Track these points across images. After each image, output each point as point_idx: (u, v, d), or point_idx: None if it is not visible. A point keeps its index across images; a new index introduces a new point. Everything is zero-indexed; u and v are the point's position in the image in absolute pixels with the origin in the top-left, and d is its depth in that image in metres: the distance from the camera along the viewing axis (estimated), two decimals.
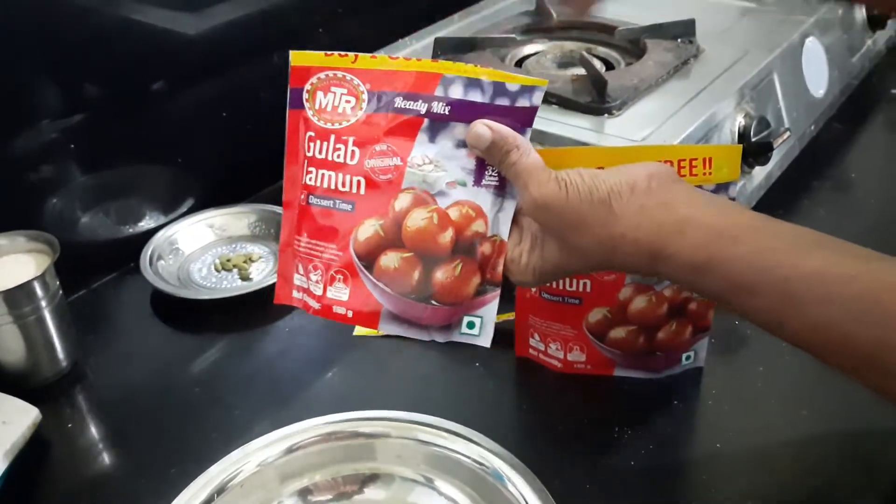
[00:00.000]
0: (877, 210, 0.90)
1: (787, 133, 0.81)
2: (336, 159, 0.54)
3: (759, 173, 0.84)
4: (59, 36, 0.73)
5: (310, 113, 0.55)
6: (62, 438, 0.64)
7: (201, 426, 0.64)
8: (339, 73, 0.54)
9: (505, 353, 0.70)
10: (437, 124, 0.54)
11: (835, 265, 0.46)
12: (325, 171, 0.55)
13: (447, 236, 0.54)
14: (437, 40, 0.88)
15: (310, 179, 0.55)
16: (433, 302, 0.54)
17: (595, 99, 0.76)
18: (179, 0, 0.83)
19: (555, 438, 0.62)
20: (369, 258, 0.54)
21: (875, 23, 1.12)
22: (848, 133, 1.04)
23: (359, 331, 0.72)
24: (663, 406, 0.65)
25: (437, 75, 0.53)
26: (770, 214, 0.51)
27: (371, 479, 0.58)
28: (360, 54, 0.54)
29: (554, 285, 0.64)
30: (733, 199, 0.59)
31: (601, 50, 0.91)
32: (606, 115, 0.75)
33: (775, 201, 0.85)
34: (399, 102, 0.54)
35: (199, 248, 0.85)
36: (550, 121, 0.75)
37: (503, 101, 0.53)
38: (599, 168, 0.53)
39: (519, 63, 0.90)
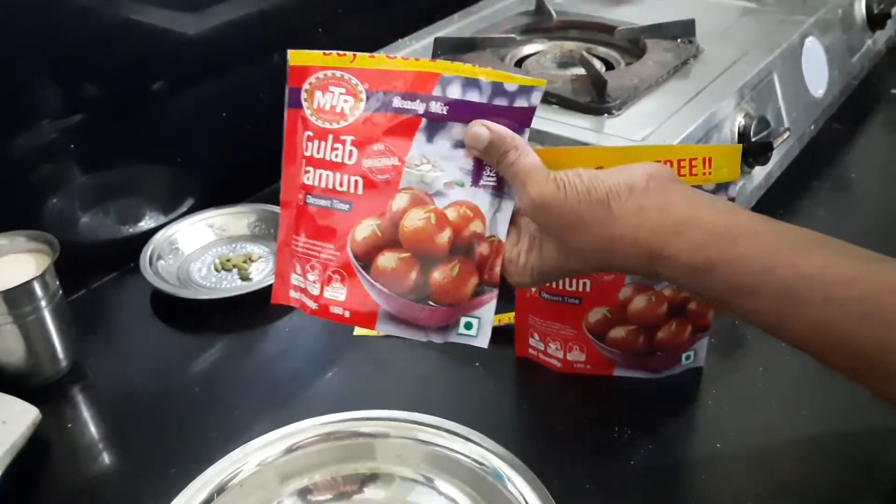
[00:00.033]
0: (876, 210, 0.91)
1: (787, 133, 0.81)
2: (334, 159, 0.54)
3: (759, 173, 0.84)
4: (59, 36, 0.73)
5: (308, 112, 0.54)
6: (62, 438, 0.64)
7: (201, 426, 0.64)
8: (338, 73, 0.54)
9: (505, 353, 0.70)
10: (435, 124, 0.54)
11: (835, 266, 0.45)
12: (322, 171, 0.54)
13: (445, 237, 0.54)
14: (436, 40, 0.88)
15: (307, 179, 0.55)
16: (430, 302, 0.54)
17: (595, 99, 0.76)
18: (179, 0, 0.83)
19: (554, 438, 0.62)
20: (367, 258, 0.54)
21: (875, 23, 1.12)
22: (848, 133, 1.04)
23: (359, 331, 0.72)
24: (663, 406, 0.65)
25: (436, 75, 0.53)
26: (770, 214, 0.51)
27: (371, 478, 0.58)
28: (359, 54, 0.54)
29: (554, 285, 0.64)
30: (733, 199, 0.59)
31: (601, 50, 0.91)
32: (606, 114, 0.75)
33: (775, 201, 0.85)
34: (397, 102, 0.53)
35: (199, 248, 0.85)
36: (550, 120, 0.75)
37: (501, 101, 0.53)
38: (599, 168, 0.53)
39: (519, 63, 0.90)
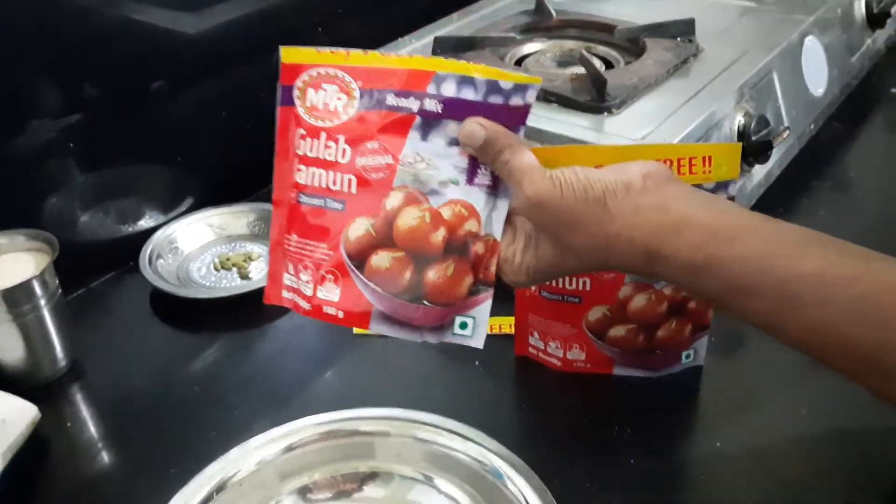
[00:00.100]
0: (876, 210, 0.90)
1: (787, 132, 0.81)
2: (327, 157, 0.53)
3: (759, 172, 0.84)
4: (59, 35, 0.73)
5: (301, 110, 0.54)
6: (61, 437, 0.64)
7: (201, 425, 0.64)
8: (331, 71, 0.53)
9: (504, 352, 0.70)
10: (430, 122, 0.53)
11: (835, 266, 0.45)
12: (316, 170, 0.54)
13: (439, 236, 0.53)
14: (436, 39, 0.88)
15: (300, 178, 0.54)
16: (425, 302, 0.54)
17: (594, 98, 0.76)
18: (179, 0, 0.83)
19: (554, 437, 0.62)
20: (360, 258, 0.54)
21: (874, 22, 1.12)
22: (847, 132, 1.04)
23: (358, 330, 0.72)
24: (663, 405, 0.65)
25: (430, 73, 0.52)
26: (769, 214, 0.50)
27: (370, 477, 0.58)
28: (352, 51, 0.53)
29: (554, 284, 0.64)
30: (733, 198, 0.58)
31: (601, 49, 0.91)
32: (606, 113, 0.75)
33: (775, 200, 0.85)
34: (391, 100, 0.53)
35: (199, 248, 0.85)
36: (550, 119, 0.75)
37: (496, 99, 0.52)
38: (597, 167, 0.53)
39: (518, 62, 0.90)
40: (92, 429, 0.66)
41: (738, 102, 0.80)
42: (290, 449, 0.58)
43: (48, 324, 0.67)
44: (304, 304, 0.55)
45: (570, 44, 0.93)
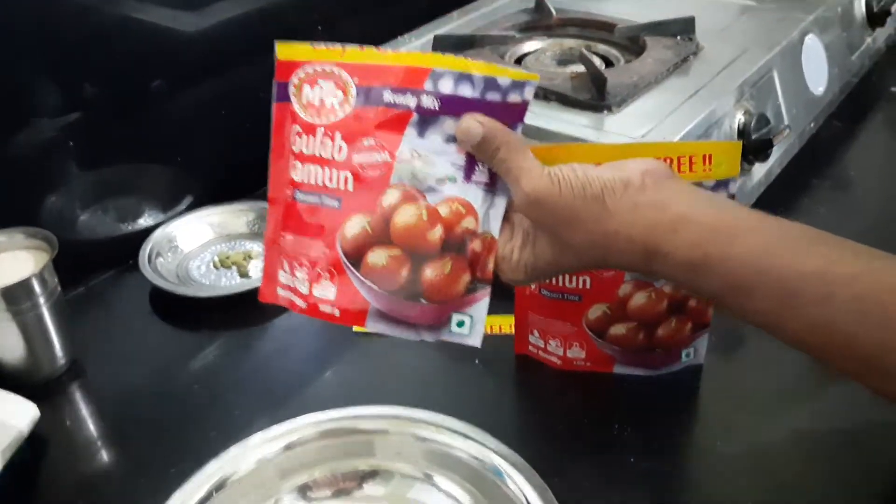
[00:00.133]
0: (876, 208, 0.90)
1: (787, 130, 0.81)
2: (323, 154, 0.53)
3: (759, 170, 0.84)
4: (58, 34, 0.73)
5: (296, 107, 0.53)
6: (60, 436, 0.64)
7: (200, 424, 0.64)
8: (328, 67, 0.53)
9: (504, 351, 0.69)
10: (427, 119, 0.52)
11: (835, 264, 0.45)
12: (311, 167, 0.53)
13: (436, 233, 0.53)
14: (436, 38, 0.88)
15: (296, 175, 0.54)
16: (422, 300, 0.53)
17: (594, 96, 0.76)
18: None
19: (554, 435, 0.62)
20: (357, 255, 0.53)
21: (875, 20, 1.12)
22: (847, 131, 1.04)
23: (358, 328, 0.72)
24: (663, 403, 0.65)
25: (427, 69, 0.52)
26: (770, 212, 0.50)
27: (370, 475, 0.58)
28: (349, 47, 0.53)
29: (553, 282, 0.63)
30: (733, 196, 0.58)
31: (601, 47, 0.91)
32: (606, 112, 0.75)
33: (775, 199, 0.85)
34: (388, 97, 0.52)
35: (198, 246, 0.85)
36: (549, 118, 0.75)
37: (494, 96, 0.52)
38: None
39: (518, 60, 0.90)
40: (91, 427, 0.66)
41: (738, 101, 0.80)
42: (289, 447, 0.58)
43: (47, 322, 0.67)
44: (300, 303, 0.55)
45: (569, 42, 0.93)
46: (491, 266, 0.54)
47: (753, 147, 0.79)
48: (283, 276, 0.56)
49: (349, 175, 0.53)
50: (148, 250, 0.81)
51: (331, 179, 0.53)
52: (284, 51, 0.53)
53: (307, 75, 0.53)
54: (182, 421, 0.65)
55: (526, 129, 0.53)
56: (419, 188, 0.53)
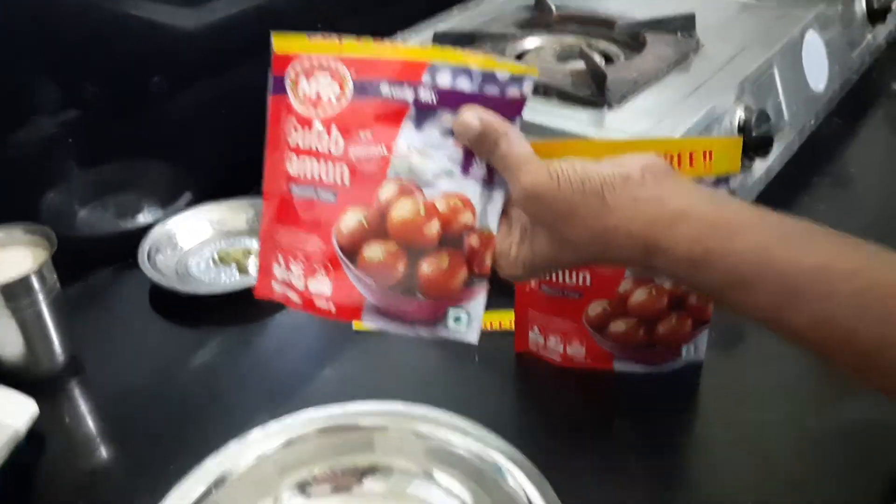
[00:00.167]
0: (877, 205, 0.90)
1: (787, 128, 0.81)
2: (319, 148, 0.52)
3: (759, 167, 0.84)
4: (57, 32, 0.73)
5: (293, 100, 0.53)
6: (59, 432, 0.64)
7: (199, 421, 0.64)
8: (324, 60, 0.52)
9: (504, 347, 0.69)
10: (424, 113, 0.52)
11: (835, 260, 0.45)
12: (307, 160, 0.53)
13: (433, 228, 0.52)
14: (436, 34, 0.88)
15: (292, 168, 0.53)
16: (418, 295, 0.53)
17: (594, 92, 0.76)
18: None
19: (554, 432, 0.62)
20: (353, 250, 0.53)
21: (875, 17, 1.12)
22: (848, 128, 1.03)
23: (358, 325, 0.72)
24: (663, 400, 0.65)
25: (425, 63, 0.51)
26: (770, 209, 0.50)
27: (370, 471, 0.58)
28: (346, 39, 0.52)
29: (553, 279, 0.63)
30: (734, 192, 0.58)
31: (601, 44, 0.91)
32: (606, 108, 0.75)
33: (775, 196, 0.85)
34: (385, 90, 0.52)
35: (198, 243, 0.85)
36: (549, 114, 0.74)
37: (492, 90, 0.51)
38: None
39: (519, 57, 0.90)
40: (90, 424, 0.66)
41: (738, 97, 0.80)
42: (289, 443, 0.58)
43: (46, 319, 0.67)
44: (296, 298, 0.55)
45: (570, 39, 0.92)
46: (488, 261, 0.53)
47: (754, 143, 0.79)
48: (278, 271, 0.55)
49: (345, 169, 0.52)
50: (147, 247, 0.81)
51: (327, 173, 0.53)
52: (281, 43, 0.53)
53: (303, 68, 0.52)
54: (181, 418, 0.65)
55: (526, 126, 0.53)
56: (416, 182, 0.52)
